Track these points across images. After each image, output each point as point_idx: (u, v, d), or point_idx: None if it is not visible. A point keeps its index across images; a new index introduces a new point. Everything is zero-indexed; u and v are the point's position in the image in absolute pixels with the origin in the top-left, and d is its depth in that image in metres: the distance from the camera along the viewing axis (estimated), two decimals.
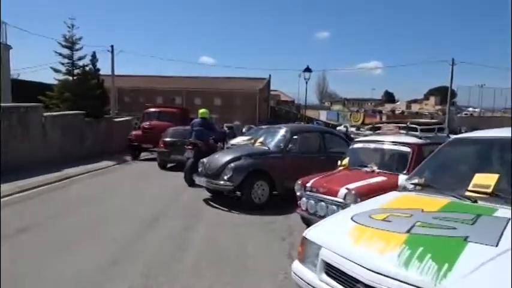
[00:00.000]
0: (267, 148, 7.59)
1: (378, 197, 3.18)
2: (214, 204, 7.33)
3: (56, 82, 18.24)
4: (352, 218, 2.64)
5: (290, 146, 7.51)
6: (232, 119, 39.08)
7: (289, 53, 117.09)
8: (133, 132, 15.55)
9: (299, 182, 5.64)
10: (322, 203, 5.05)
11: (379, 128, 7.32)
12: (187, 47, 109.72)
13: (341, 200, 4.80)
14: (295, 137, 7.69)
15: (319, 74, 76.60)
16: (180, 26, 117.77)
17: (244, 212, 6.71)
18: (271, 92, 53.20)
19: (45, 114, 12.26)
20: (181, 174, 9.67)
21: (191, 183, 8.76)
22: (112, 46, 27.94)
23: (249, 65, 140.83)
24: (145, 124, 15.39)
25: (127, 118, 20.81)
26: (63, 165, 11.41)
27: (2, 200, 7.33)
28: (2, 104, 10.93)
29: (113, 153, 15.20)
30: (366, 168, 5.52)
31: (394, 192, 3.19)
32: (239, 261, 4.42)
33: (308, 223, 5.54)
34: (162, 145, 12.66)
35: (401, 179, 3.53)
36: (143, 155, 15.54)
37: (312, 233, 2.70)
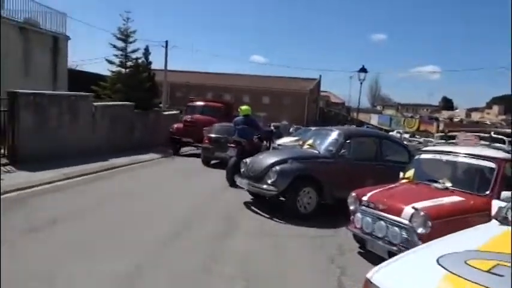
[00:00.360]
0: (316, 152, 6.87)
1: (468, 230, 2.38)
2: (255, 209, 6.74)
3: (109, 73, 18.67)
4: (438, 262, 1.90)
5: (343, 150, 6.74)
6: (279, 119, 38.48)
7: (342, 54, 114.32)
8: (175, 126, 15.07)
9: (353, 194, 4.89)
10: (381, 222, 4.27)
11: (453, 137, 6.33)
12: (239, 45, 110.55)
13: (406, 222, 4.00)
14: (348, 141, 6.90)
15: (372, 76, 73.97)
16: (232, 24, 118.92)
17: (287, 221, 6.05)
18: (321, 93, 51.89)
19: (95, 104, 12.35)
20: (224, 173, 9.20)
21: (232, 183, 8.25)
22: (166, 41, 28.34)
23: (300, 64, 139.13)
24: (187, 118, 14.94)
25: (175, 112, 20.87)
26: (110, 154, 11.44)
27: (44, 186, 7.30)
28: (54, 92, 11.11)
29: (159, 146, 15.15)
30: (436, 184, 4.64)
31: (493, 223, 2.38)
32: (276, 286, 3.78)
33: (362, 243, 4.81)
34: (206, 141, 12.33)
35: (496, 204, 2.69)
36: (187, 149, 15.27)
37: (381, 277, 1.98)
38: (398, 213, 4.13)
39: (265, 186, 6.33)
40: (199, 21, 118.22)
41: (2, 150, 8.96)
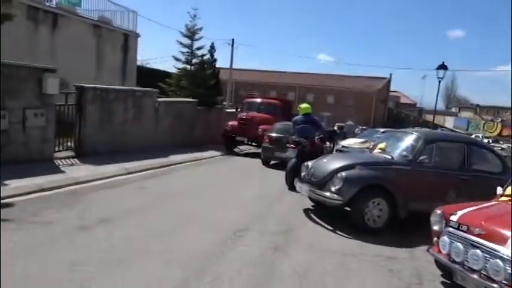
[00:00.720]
0: (389, 157, 6.00)
1: None
2: (316, 219, 6.06)
3: (175, 70, 19.01)
4: None
5: (422, 157, 5.79)
6: (344, 119, 36.97)
7: (414, 52, 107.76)
8: (229, 123, 14.39)
9: (439, 212, 4.03)
10: (478, 252, 3.39)
11: None
12: (305, 44, 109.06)
13: None
14: (429, 146, 5.93)
15: (447, 76, 68.41)
16: (299, 21, 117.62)
17: (353, 236, 5.31)
18: (391, 93, 49.06)
19: (159, 99, 12.44)
20: (283, 174, 8.63)
21: (292, 187, 7.64)
22: (232, 39, 28.48)
23: (369, 63, 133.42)
24: (242, 115, 14.31)
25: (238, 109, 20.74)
26: (171, 151, 11.42)
27: (105, 180, 7.30)
28: (120, 87, 11.33)
29: (220, 143, 14.99)
30: None
31: None
32: None
33: (447, 271, 3.94)
34: (267, 140, 11.82)
35: None
36: (244, 148, 14.88)
37: None
38: (503, 241, 3.24)
39: (328, 194, 5.62)
40: (266, 19, 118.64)
41: (69, 143, 9.26)
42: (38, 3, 12.48)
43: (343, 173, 5.55)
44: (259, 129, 13.07)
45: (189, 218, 5.40)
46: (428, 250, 4.13)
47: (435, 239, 4.04)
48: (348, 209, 5.82)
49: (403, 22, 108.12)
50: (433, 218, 4.08)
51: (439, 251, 3.92)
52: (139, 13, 17.92)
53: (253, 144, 14.12)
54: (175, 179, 8.38)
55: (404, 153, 6.01)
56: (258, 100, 16.24)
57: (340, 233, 5.45)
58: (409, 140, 6.18)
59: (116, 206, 5.64)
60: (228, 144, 14.18)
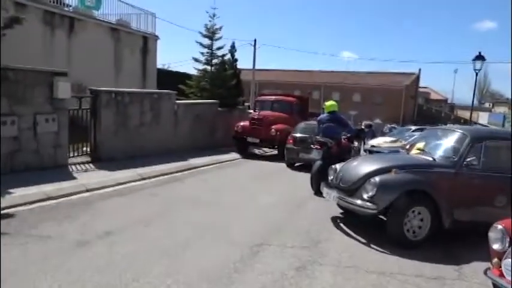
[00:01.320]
0: (431, 159, 5.22)
1: None
2: (346, 229, 5.36)
3: (195, 72, 18.63)
4: None
5: (469, 158, 4.98)
6: (372, 117, 35.73)
7: (443, 45, 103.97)
8: (241, 123, 13.13)
9: (500, 227, 3.28)
10: None
11: None
12: (328, 42, 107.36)
13: None
14: (477, 145, 5.11)
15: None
16: (320, 19, 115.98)
17: (389, 251, 4.59)
18: (420, 89, 47.22)
19: (178, 102, 12.02)
20: (307, 177, 7.96)
21: (318, 191, 6.97)
22: (255, 40, 27.94)
23: (396, 57, 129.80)
24: (254, 114, 13.13)
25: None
26: (190, 154, 10.98)
27: (116, 187, 6.87)
28: (135, 90, 10.98)
29: None
30: None
31: None
32: None
33: None
34: (290, 141, 11.21)
35: None
36: (266, 150, 14.17)
37: None
38: None
39: (359, 202, 4.91)
40: (287, 18, 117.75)
41: (85, 148, 8.93)
42: (55, 8, 12.32)
43: (377, 178, 4.83)
44: (272, 130, 12.18)
45: (202, 230, 4.83)
46: (486, 273, 3.37)
47: (495, 259, 3.28)
48: (383, 218, 5.10)
49: (430, 14, 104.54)
50: (492, 235, 3.32)
51: (501, 275, 3.17)
52: (158, 16, 17.65)
53: (266, 145, 13.11)
54: (192, 184, 7.86)
55: (448, 154, 5.22)
56: (271, 98, 14.68)
57: (374, 246, 4.74)
58: (452, 138, 5.38)
59: (122, 217, 5.15)
60: (239, 147, 13.11)
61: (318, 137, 8.00)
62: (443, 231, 4.93)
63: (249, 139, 12.64)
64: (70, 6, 13.50)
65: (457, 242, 5.07)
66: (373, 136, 24.37)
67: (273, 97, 14.71)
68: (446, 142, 5.44)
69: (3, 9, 7.36)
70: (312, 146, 8.31)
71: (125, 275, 3.42)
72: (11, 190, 5.66)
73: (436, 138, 5.77)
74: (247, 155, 12.97)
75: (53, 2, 12.42)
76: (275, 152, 12.87)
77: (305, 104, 15.00)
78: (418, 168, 5.03)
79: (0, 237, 3.66)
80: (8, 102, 6.74)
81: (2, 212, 4.95)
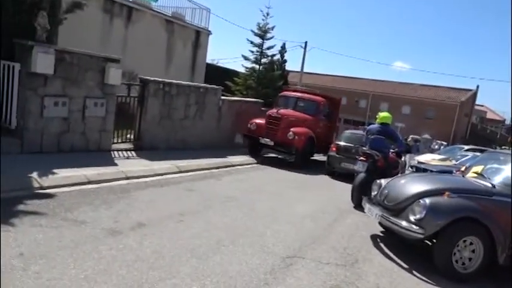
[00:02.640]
0: (489, 185, 4.74)
1: None
2: (387, 251, 4.99)
3: (243, 70, 18.67)
4: None
5: None
6: (420, 132, 34.16)
7: (505, 62, 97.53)
8: (256, 121, 11.38)
9: None
10: None
11: None
12: (380, 50, 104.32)
13: None
14: None
15: None
16: (375, 27, 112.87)
17: (434, 281, 4.19)
18: (476, 107, 44.55)
19: (223, 98, 12.00)
20: (347, 188, 7.60)
21: (358, 205, 6.62)
22: (305, 42, 27.59)
23: (452, 71, 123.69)
24: (272, 112, 11.23)
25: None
26: (230, 151, 10.99)
27: (154, 178, 6.89)
28: (183, 82, 11.06)
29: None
30: None
31: None
32: None
33: None
34: (334, 148, 10.97)
35: None
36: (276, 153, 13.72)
37: None
38: None
39: (405, 224, 4.53)
40: (340, 24, 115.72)
41: (129, 135, 9.10)
42: None
43: (428, 200, 4.43)
44: (290, 133, 10.61)
45: (233, 232, 4.67)
46: None
47: None
48: (429, 243, 4.69)
49: (493, 26, 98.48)
50: None
51: None
52: (212, 11, 17.79)
53: (281, 150, 11.53)
54: (229, 182, 7.74)
55: (509, 181, 4.71)
56: (296, 94, 12.67)
57: (417, 274, 4.36)
58: None
59: (156, 209, 5.10)
60: (252, 148, 11.50)
61: (364, 148, 7.63)
62: (497, 266, 4.45)
63: (263, 140, 10.88)
64: None
65: (507, 277, 4.56)
66: (418, 151, 23.29)
67: (299, 94, 12.79)
68: (509, 168, 4.91)
69: None
70: (357, 157, 7.94)
71: (152, 272, 3.31)
72: (55, 170, 5.80)
73: (498, 162, 5.24)
74: (261, 158, 11.24)
75: None
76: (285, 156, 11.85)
77: (335, 107, 13.06)
78: (475, 194, 4.58)
79: (0, 228, 3.71)
80: (61, 84, 6.96)
81: (44, 191, 5.07)
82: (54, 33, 7.33)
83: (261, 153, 11.71)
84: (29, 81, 6.50)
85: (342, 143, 10.89)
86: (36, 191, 5.02)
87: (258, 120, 11.38)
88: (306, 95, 12.64)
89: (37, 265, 3.13)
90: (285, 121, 10.94)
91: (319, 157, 12.97)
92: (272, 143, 10.81)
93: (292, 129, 10.72)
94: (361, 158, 7.59)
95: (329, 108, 12.50)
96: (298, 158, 10.89)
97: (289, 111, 11.51)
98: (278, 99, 12.65)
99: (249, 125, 11.37)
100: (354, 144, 10.32)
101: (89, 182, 5.87)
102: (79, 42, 9.18)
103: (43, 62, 6.44)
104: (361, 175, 7.30)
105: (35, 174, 5.43)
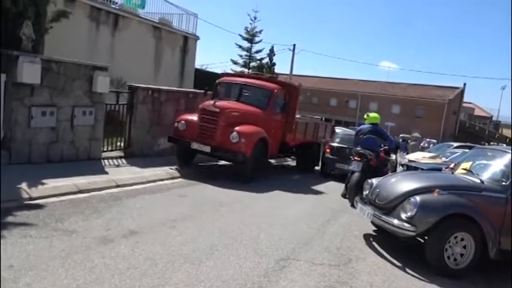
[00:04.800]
0: (478, 181, 4.80)
1: None
2: (380, 249, 5.02)
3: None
4: None
5: None
6: (409, 130, 34.49)
7: (490, 58, 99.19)
8: (185, 117, 8.56)
9: None
10: None
11: None
12: (368, 51, 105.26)
13: None
14: None
15: None
16: (361, 28, 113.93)
17: (426, 278, 4.23)
18: (464, 105, 45.13)
19: None
20: (339, 187, 7.65)
21: (354, 204, 6.67)
22: (294, 45, 27.64)
23: (440, 70, 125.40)
24: (208, 105, 8.19)
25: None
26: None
27: (144, 185, 6.85)
28: (171, 88, 11.03)
29: None
30: None
31: None
32: None
33: None
34: (328, 150, 11.15)
35: None
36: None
37: None
38: None
39: (396, 222, 4.57)
40: (327, 25, 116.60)
41: (119, 143, 9.04)
42: (101, 5, 12.67)
43: (418, 198, 4.47)
44: (234, 133, 7.75)
45: (227, 236, 4.65)
46: None
47: None
48: (421, 240, 4.73)
49: (479, 24, 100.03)
50: None
51: None
52: (199, 16, 17.83)
53: (222, 158, 8.76)
54: (221, 186, 7.72)
55: (497, 177, 4.78)
56: (241, 80, 9.69)
57: (409, 271, 4.39)
58: (504, 160, 4.92)
59: (148, 216, 5.06)
60: (180, 154, 8.64)
61: (358, 149, 7.80)
62: (488, 261, 4.50)
63: (195, 145, 8.01)
64: (116, 3, 13.86)
65: (503, 274, 4.62)
66: (406, 149, 23.56)
67: (244, 79, 9.78)
68: (496, 164, 4.99)
69: (52, 3, 7.54)
70: (351, 157, 8.13)
71: (145, 280, 3.29)
72: (44, 180, 5.73)
73: (486, 158, 5.32)
74: (192, 169, 8.63)
75: None
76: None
77: (293, 97, 9.68)
78: (464, 190, 4.63)
79: (0, 236, 3.65)
80: (49, 93, 6.89)
81: (34, 202, 5.01)
82: (40, 43, 7.27)
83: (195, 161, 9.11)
84: (15, 91, 6.43)
85: (335, 145, 11.08)
86: (26, 202, 4.96)
87: (188, 117, 8.54)
88: (254, 81, 9.55)
89: (27, 276, 3.08)
90: (225, 117, 8.02)
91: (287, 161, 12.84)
92: (208, 149, 7.89)
93: (236, 128, 7.84)
94: (356, 158, 7.74)
95: (285, 98, 9.54)
96: (246, 169, 8.04)
97: (231, 104, 8.62)
98: (216, 88, 9.69)
99: (176, 123, 8.53)
100: (347, 145, 10.48)
101: (79, 191, 5.80)
102: (66, 50, 9.14)
103: (29, 71, 6.37)
104: (357, 174, 7.46)
105: (23, 185, 5.36)
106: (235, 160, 8.04)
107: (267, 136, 8.48)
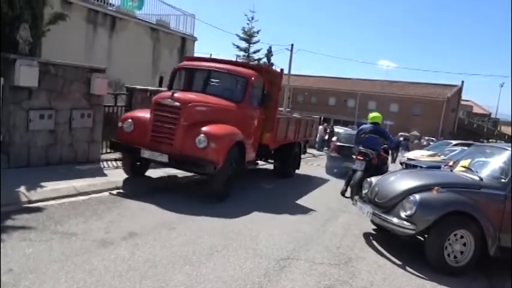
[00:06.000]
0: (477, 178, 4.81)
1: None
2: (379, 248, 5.03)
3: None
4: None
5: None
6: (408, 129, 34.53)
7: (488, 55, 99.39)
8: (134, 114, 6.71)
9: None
10: None
11: None
12: (366, 50, 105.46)
13: None
14: None
15: None
16: (359, 27, 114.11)
17: (427, 276, 4.23)
18: (462, 102, 45.22)
19: None
20: (338, 186, 7.64)
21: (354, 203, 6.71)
22: (292, 45, 27.62)
23: (438, 69, 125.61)
24: (163, 98, 6.22)
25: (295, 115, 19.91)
26: None
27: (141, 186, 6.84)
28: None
29: None
30: None
31: None
32: None
33: None
34: (333, 149, 11.82)
35: None
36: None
37: None
38: None
39: (396, 221, 4.57)
40: (325, 25, 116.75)
41: None
42: (98, 7, 12.66)
43: (417, 196, 4.48)
44: (201, 136, 5.86)
45: (227, 237, 4.65)
46: None
47: None
48: (421, 238, 4.74)
49: (477, 23, 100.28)
50: None
51: None
52: (196, 16, 17.79)
53: (185, 169, 6.73)
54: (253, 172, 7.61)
55: (496, 174, 4.79)
56: (208, 65, 7.64)
57: (410, 269, 4.40)
58: (503, 157, 4.93)
59: (147, 218, 5.06)
60: (126, 162, 6.82)
61: (361, 148, 7.94)
62: (488, 258, 4.51)
63: (146, 153, 6.07)
64: (113, 5, 13.85)
65: (503, 271, 4.63)
66: (407, 147, 23.64)
67: (211, 65, 7.64)
68: (495, 161, 5.00)
69: (49, 6, 7.54)
70: (354, 156, 8.27)
71: (144, 282, 3.29)
72: (43, 183, 5.71)
73: (484, 155, 5.33)
74: (142, 176, 7.04)
75: (98, 1, 12.77)
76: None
77: (275, 86, 7.87)
78: (463, 188, 4.64)
79: (0, 237, 3.65)
80: (46, 96, 6.88)
81: (33, 205, 5.00)
82: (37, 46, 7.27)
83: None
84: (13, 95, 6.42)
85: (341, 144, 11.74)
86: (25, 205, 4.94)
87: (138, 114, 6.61)
88: (225, 66, 7.55)
89: (27, 280, 3.08)
90: (188, 114, 6.05)
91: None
92: (165, 158, 5.94)
93: (204, 128, 5.92)
94: (359, 157, 7.89)
95: (265, 88, 7.54)
96: (217, 183, 6.14)
97: (196, 96, 6.64)
98: (175, 76, 7.79)
99: (120, 123, 6.48)
100: (351, 145, 10.60)
101: (79, 194, 5.79)
102: (63, 53, 9.13)
103: (27, 75, 6.36)
104: (359, 173, 7.58)
105: (22, 189, 5.35)
106: (203, 172, 6.17)
107: (243, 139, 6.57)
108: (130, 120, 6.41)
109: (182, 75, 7.89)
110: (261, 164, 10.21)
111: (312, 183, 9.79)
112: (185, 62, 8.27)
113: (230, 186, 6.50)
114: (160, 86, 7.68)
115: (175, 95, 6.15)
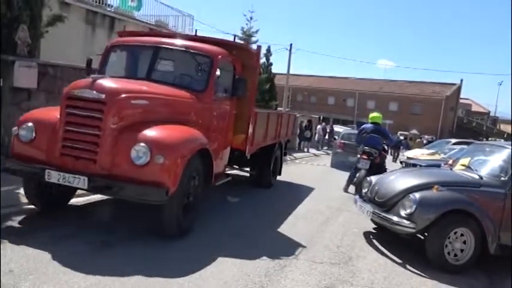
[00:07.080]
0: (477, 177, 4.82)
1: None
2: (380, 247, 5.03)
3: None
4: None
5: None
6: (407, 127, 34.55)
7: (489, 54, 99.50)
8: (36, 115, 4.36)
9: None
10: None
11: None
12: (365, 49, 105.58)
13: None
14: None
15: None
16: (358, 26, 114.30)
17: (427, 274, 4.24)
18: (461, 101, 45.26)
19: None
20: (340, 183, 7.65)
21: None
22: (291, 44, 27.63)
23: (436, 67, 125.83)
24: (79, 87, 3.98)
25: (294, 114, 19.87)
26: None
27: None
28: None
29: None
30: None
31: None
32: None
33: None
34: (339, 146, 13.63)
35: None
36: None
37: None
38: None
39: (396, 219, 4.57)
40: (324, 24, 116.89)
41: None
42: (97, 8, 12.65)
43: (417, 194, 4.48)
44: (141, 145, 3.81)
45: (228, 236, 4.65)
46: None
47: None
48: (421, 237, 4.74)
49: (475, 21, 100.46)
50: None
51: None
52: (195, 17, 17.77)
53: (108, 193, 4.42)
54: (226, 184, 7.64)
55: (496, 172, 4.80)
56: (155, 41, 5.33)
57: (410, 268, 4.40)
58: (502, 155, 4.93)
59: (149, 218, 5.03)
60: (31, 191, 4.54)
61: (366, 148, 8.17)
62: (488, 256, 4.51)
63: (54, 174, 3.89)
64: (112, 6, 13.84)
65: (503, 269, 4.63)
66: (407, 146, 23.70)
67: (161, 40, 5.40)
68: (494, 159, 5.00)
69: (47, 7, 7.54)
70: (358, 155, 8.45)
71: (145, 283, 3.28)
72: None
73: (483, 154, 5.34)
74: (54, 208, 4.84)
75: (96, 2, 12.76)
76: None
77: (251, 71, 5.92)
78: (463, 186, 4.64)
79: (0, 238, 3.63)
80: (46, 97, 6.89)
81: (33, 206, 4.99)
82: (36, 47, 7.26)
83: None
84: (12, 96, 6.42)
85: (346, 141, 13.54)
86: (25, 207, 4.93)
87: (43, 114, 4.46)
88: (180, 42, 5.35)
89: (27, 281, 3.07)
90: (118, 110, 4.02)
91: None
92: (83, 182, 3.87)
93: (145, 133, 3.96)
94: (363, 156, 8.14)
95: (236, 72, 5.62)
96: (170, 213, 4.17)
97: (133, 84, 4.54)
98: (107, 57, 5.42)
99: (15, 129, 4.26)
100: (352, 142, 12.07)
101: (78, 195, 5.77)
102: (62, 54, 9.10)
103: (25, 76, 6.37)
104: (363, 172, 7.84)
105: (22, 190, 5.33)
106: (147, 201, 3.94)
107: (207, 143, 4.55)
108: (30, 123, 4.17)
109: (119, 58, 5.53)
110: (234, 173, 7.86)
111: (311, 183, 9.79)
112: (121, 38, 5.91)
113: (192, 216, 4.50)
114: (88, 73, 4.96)
115: (98, 81, 3.97)
